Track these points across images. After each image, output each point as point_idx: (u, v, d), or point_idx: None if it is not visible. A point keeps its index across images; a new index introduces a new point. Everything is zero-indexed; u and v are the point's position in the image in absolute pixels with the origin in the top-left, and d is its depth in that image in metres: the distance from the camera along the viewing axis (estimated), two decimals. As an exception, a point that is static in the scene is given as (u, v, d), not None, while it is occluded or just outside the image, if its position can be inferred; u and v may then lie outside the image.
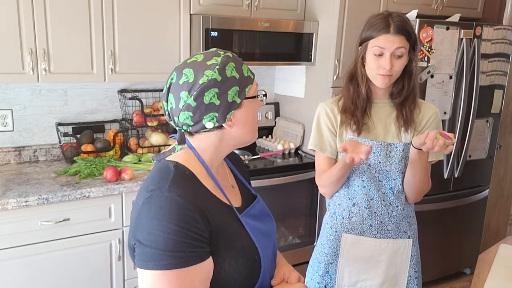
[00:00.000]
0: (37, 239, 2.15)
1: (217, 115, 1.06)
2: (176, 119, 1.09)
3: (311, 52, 2.91)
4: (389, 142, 1.75)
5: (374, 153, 1.74)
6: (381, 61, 1.65)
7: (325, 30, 2.85)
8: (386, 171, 1.75)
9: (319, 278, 1.86)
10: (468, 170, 3.17)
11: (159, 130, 2.83)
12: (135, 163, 2.56)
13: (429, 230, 3.06)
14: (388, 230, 1.79)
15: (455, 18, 3.12)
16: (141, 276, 1.01)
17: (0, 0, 2.15)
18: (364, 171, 1.75)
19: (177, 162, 1.09)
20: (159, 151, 2.73)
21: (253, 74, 1.13)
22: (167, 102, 1.10)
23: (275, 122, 3.32)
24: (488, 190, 3.39)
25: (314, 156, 3.27)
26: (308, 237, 3.03)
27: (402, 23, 1.65)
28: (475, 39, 2.95)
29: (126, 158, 2.59)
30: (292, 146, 3.07)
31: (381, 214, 1.77)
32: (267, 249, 1.18)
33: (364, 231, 1.79)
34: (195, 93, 1.04)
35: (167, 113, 1.11)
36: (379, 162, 1.74)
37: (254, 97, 1.12)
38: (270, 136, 3.29)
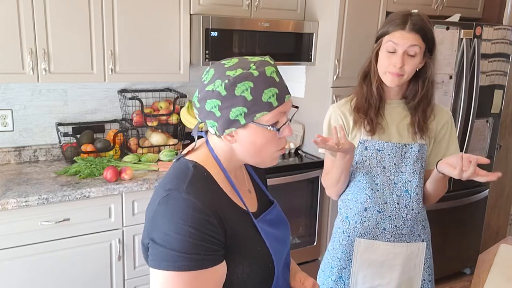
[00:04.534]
0: (37, 239, 2.15)
1: (216, 125, 1.04)
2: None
3: (311, 52, 2.91)
4: (404, 143, 1.70)
5: (389, 155, 1.69)
6: (393, 58, 1.61)
7: (325, 30, 2.85)
8: (401, 172, 1.70)
9: (332, 283, 1.81)
10: (468, 170, 3.17)
11: (159, 130, 2.83)
12: (135, 163, 2.56)
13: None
14: (402, 234, 1.73)
15: (455, 18, 3.12)
16: (154, 276, 1.00)
17: (0, 0, 2.15)
18: (378, 174, 1.70)
19: (196, 162, 1.09)
20: (159, 151, 2.73)
21: (279, 103, 1.03)
22: None
23: (275, 122, 3.32)
24: (488, 190, 3.39)
25: (314, 156, 3.25)
26: (308, 237, 3.03)
27: (420, 22, 1.60)
28: (475, 39, 2.95)
29: (126, 158, 2.59)
30: (292, 146, 3.06)
31: (395, 217, 1.71)
32: (281, 256, 1.17)
33: (377, 235, 1.73)
34: (199, 95, 1.05)
35: None
36: (394, 164, 1.69)
37: (269, 126, 1.04)
38: (270, 136, 3.29)
